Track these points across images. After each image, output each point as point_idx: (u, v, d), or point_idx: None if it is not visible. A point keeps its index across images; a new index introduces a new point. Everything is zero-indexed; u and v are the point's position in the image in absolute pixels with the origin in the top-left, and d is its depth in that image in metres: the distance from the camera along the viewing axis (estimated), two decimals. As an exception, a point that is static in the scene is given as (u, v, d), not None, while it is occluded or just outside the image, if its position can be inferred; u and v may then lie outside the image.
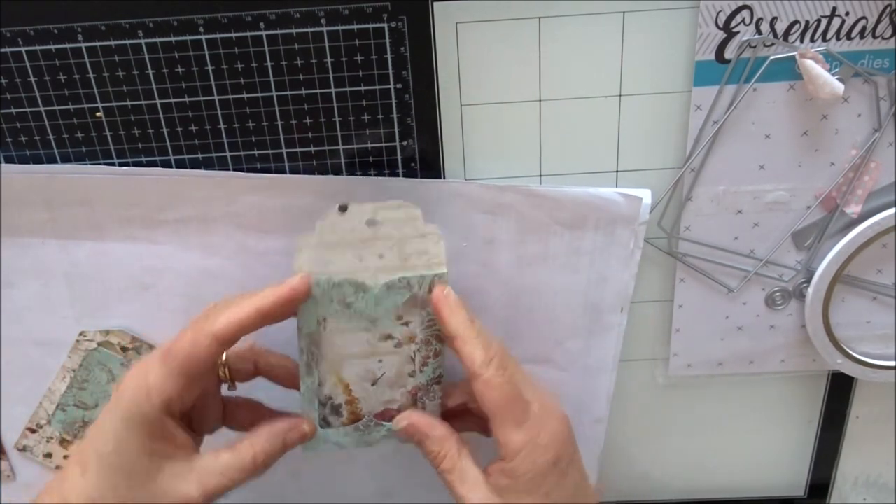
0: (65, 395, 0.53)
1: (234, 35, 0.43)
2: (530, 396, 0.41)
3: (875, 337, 0.53)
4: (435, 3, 0.43)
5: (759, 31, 0.43)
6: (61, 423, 0.54)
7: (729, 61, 0.44)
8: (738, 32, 0.43)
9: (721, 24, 0.43)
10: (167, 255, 0.48)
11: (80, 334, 0.51)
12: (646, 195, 0.47)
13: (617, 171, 0.48)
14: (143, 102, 0.45)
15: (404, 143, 0.47)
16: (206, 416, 0.44)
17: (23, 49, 0.43)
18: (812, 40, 0.44)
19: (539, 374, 0.53)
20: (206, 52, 0.44)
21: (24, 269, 0.49)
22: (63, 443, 0.54)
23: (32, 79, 0.44)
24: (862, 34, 0.43)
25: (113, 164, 0.47)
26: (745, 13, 0.43)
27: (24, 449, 0.55)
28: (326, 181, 0.46)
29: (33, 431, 0.54)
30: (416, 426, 0.44)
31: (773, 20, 0.43)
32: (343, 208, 0.42)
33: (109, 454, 0.39)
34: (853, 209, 0.48)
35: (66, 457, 0.55)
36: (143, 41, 0.43)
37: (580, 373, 0.53)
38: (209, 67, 0.44)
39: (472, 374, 0.41)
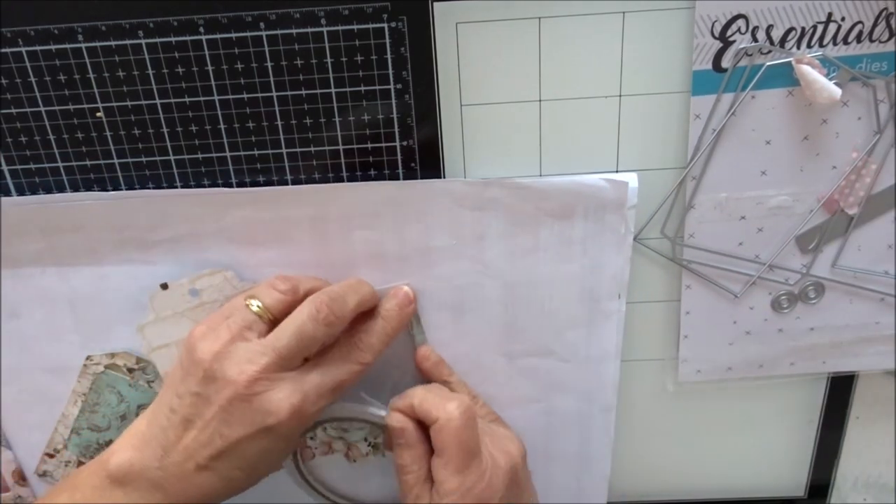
0: (78, 419, 0.53)
1: (234, 35, 0.43)
2: (483, 448, 0.44)
3: (883, 338, 0.53)
4: (435, 3, 0.43)
5: (755, 39, 0.43)
6: (77, 446, 0.54)
7: (726, 70, 0.44)
8: (734, 41, 0.43)
9: (717, 34, 0.43)
10: (163, 273, 0.49)
11: (87, 358, 0.51)
12: (631, 179, 0.47)
13: (617, 172, 0.48)
14: (143, 102, 0.45)
15: (404, 143, 0.47)
16: None
17: (23, 49, 0.43)
18: (809, 46, 0.43)
19: (542, 366, 0.53)
20: (206, 52, 0.44)
21: (27, 298, 0.49)
22: (80, 466, 0.54)
23: (32, 79, 0.44)
24: (859, 38, 0.43)
25: (112, 164, 0.47)
26: (741, 22, 0.43)
27: (44, 474, 0.55)
28: (304, 191, 0.47)
29: (51, 456, 0.55)
30: (405, 432, 0.45)
31: (769, 28, 0.43)
32: (164, 286, 0.48)
33: None
34: (856, 211, 0.48)
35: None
36: (143, 41, 0.43)
37: (583, 362, 0.52)
38: (209, 67, 0.44)
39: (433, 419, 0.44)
